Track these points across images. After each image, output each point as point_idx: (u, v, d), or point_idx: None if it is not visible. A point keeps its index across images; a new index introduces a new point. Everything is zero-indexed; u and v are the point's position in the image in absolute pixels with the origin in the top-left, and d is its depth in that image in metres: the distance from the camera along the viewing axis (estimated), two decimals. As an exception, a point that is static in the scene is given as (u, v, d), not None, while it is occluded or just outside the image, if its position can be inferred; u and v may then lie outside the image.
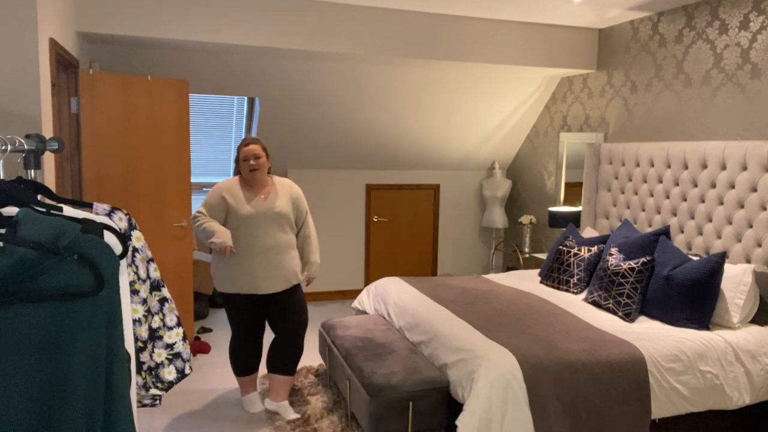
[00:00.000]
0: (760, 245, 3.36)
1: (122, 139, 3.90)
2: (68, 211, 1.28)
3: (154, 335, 1.65)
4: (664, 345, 2.83)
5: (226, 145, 5.96)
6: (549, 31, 4.77)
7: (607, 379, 2.63)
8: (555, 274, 3.92)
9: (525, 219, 5.63)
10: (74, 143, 3.67)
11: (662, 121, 4.27)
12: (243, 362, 3.36)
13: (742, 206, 3.48)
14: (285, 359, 3.32)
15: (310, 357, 4.19)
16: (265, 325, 3.39)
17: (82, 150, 3.72)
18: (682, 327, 3.07)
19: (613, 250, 3.59)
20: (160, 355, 1.65)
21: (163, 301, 1.68)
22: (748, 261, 3.41)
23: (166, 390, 1.66)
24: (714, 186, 3.65)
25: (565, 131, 5.38)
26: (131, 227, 1.59)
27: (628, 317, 3.24)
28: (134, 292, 1.58)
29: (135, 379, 1.46)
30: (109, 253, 1.16)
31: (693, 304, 3.08)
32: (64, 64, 3.35)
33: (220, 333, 4.78)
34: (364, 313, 3.97)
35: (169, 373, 1.65)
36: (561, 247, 4.00)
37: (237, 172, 3.28)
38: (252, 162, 3.14)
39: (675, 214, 3.94)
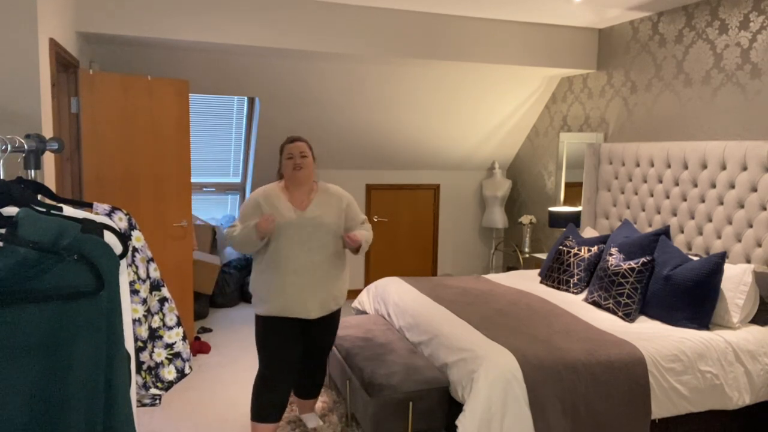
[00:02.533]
0: (760, 245, 3.36)
1: (122, 139, 3.90)
2: (68, 211, 1.28)
3: (154, 335, 1.65)
4: (664, 345, 2.83)
5: (226, 145, 5.96)
6: (549, 31, 4.77)
7: (607, 379, 2.63)
8: (555, 274, 3.92)
9: (525, 219, 5.62)
10: (74, 143, 3.67)
11: (662, 121, 4.27)
12: (267, 407, 2.76)
13: (742, 206, 3.48)
14: (314, 387, 3.10)
15: (310, 357, 4.19)
16: (298, 365, 2.86)
17: (82, 150, 3.72)
18: (682, 327, 3.07)
19: (613, 250, 3.59)
20: (160, 354, 1.65)
21: (163, 300, 1.68)
22: (748, 261, 3.41)
23: (166, 390, 1.66)
24: (714, 186, 3.65)
25: (565, 131, 5.38)
26: (131, 227, 1.59)
27: (628, 317, 3.24)
28: (134, 291, 1.58)
29: (135, 379, 1.46)
30: (109, 253, 1.16)
31: (693, 304, 3.08)
32: (64, 64, 3.35)
33: (220, 333, 4.78)
34: (364, 313, 3.97)
35: (169, 373, 1.65)
36: (561, 247, 4.00)
37: (279, 175, 2.90)
38: (297, 161, 2.77)
39: (675, 214, 3.94)
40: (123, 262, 1.29)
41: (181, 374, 1.67)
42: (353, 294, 5.91)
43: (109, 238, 1.23)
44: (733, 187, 3.53)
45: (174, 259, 4.15)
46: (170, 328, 1.68)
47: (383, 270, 6.16)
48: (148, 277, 1.64)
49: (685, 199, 3.85)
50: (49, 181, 2.83)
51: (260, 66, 4.63)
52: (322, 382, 3.10)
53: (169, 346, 1.66)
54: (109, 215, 1.54)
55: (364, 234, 2.86)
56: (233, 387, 3.73)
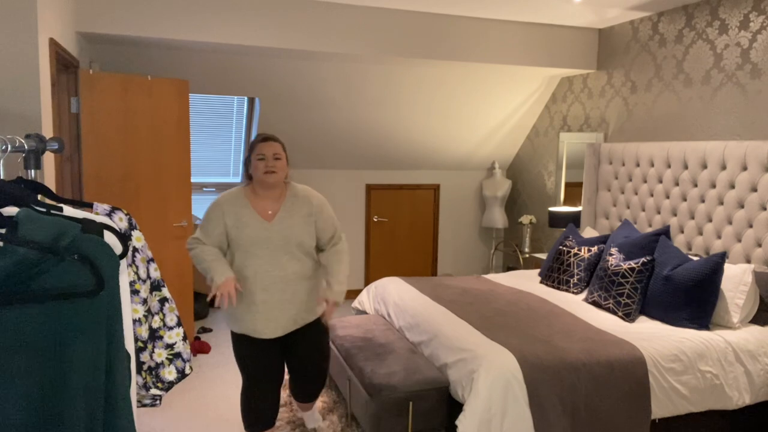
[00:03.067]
0: (760, 245, 3.36)
1: (122, 139, 3.90)
2: (68, 211, 1.28)
3: (154, 335, 1.65)
4: (664, 345, 2.83)
5: (226, 145, 5.96)
6: (549, 31, 4.77)
7: (607, 379, 2.63)
8: (555, 274, 3.92)
9: (525, 219, 5.62)
10: (74, 143, 3.67)
11: (662, 121, 4.27)
12: (255, 416, 2.70)
13: (742, 206, 3.48)
14: (310, 394, 2.90)
15: (310, 357, 4.19)
16: (282, 371, 2.74)
17: (82, 150, 3.72)
18: (682, 327, 3.07)
19: (613, 250, 3.59)
20: (161, 355, 1.65)
21: (163, 301, 1.68)
22: (748, 261, 3.41)
23: (166, 390, 1.66)
24: (714, 186, 3.65)
25: (565, 131, 5.38)
26: (131, 227, 1.59)
27: (628, 317, 3.24)
28: (134, 292, 1.58)
29: (135, 379, 1.46)
30: (109, 253, 1.16)
31: (693, 304, 3.08)
32: (64, 64, 3.35)
33: (220, 333, 4.78)
34: (364, 313, 3.97)
35: (169, 373, 1.65)
36: (561, 247, 4.00)
37: (246, 175, 2.63)
38: (270, 163, 2.51)
39: (675, 214, 3.94)
40: (123, 263, 1.29)
41: (182, 374, 1.67)
42: (353, 294, 5.91)
43: (110, 238, 1.23)
44: (733, 187, 3.53)
45: (174, 259, 4.15)
46: (170, 328, 1.68)
47: (383, 270, 6.16)
48: (149, 277, 1.64)
49: (685, 199, 3.85)
50: (49, 181, 2.83)
51: (260, 66, 4.63)
52: (319, 390, 2.89)
53: (170, 346, 1.66)
54: (109, 215, 1.54)
55: (336, 291, 2.57)
56: (233, 387, 3.73)
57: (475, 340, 2.78)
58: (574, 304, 3.51)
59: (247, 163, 2.60)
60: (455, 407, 2.67)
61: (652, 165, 4.09)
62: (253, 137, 5.69)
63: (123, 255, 1.26)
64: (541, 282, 4.04)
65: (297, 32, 4.14)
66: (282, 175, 2.56)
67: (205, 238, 2.54)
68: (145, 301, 1.61)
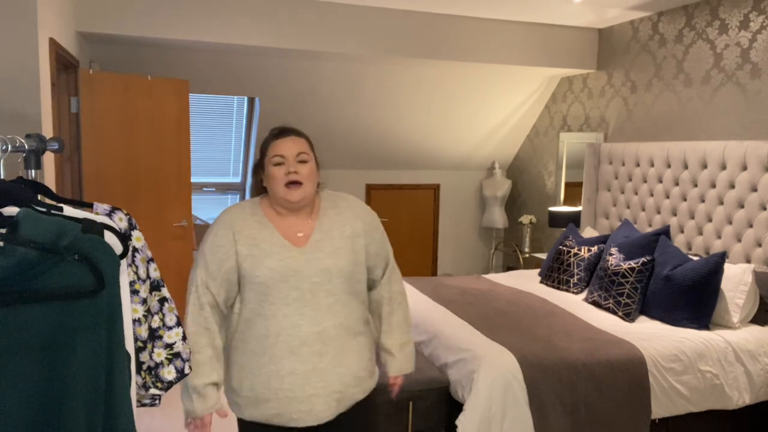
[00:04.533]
0: (760, 245, 3.36)
1: (122, 139, 3.90)
2: (68, 211, 1.28)
3: (153, 335, 1.65)
4: (664, 345, 2.83)
5: (226, 145, 5.97)
6: (549, 31, 4.77)
7: (607, 379, 2.63)
8: (555, 274, 3.92)
9: (525, 219, 5.62)
10: (74, 143, 3.67)
11: (662, 121, 4.27)
12: None
13: (742, 206, 3.48)
14: None
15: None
16: None
17: (82, 150, 3.72)
18: (682, 327, 3.07)
19: (613, 250, 3.58)
20: (160, 354, 1.65)
21: (162, 301, 1.68)
22: (748, 261, 3.41)
23: (166, 390, 1.66)
24: (714, 186, 3.65)
25: (565, 131, 5.38)
26: (131, 227, 1.59)
27: (628, 317, 3.24)
28: (134, 292, 1.58)
29: (135, 379, 1.46)
30: (109, 253, 1.16)
31: (693, 304, 3.08)
32: (64, 64, 3.35)
33: (220, 333, 4.78)
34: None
35: (168, 373, 1.64)
36: (561, 247, 4.00)
37: (258, 188, 1.83)
38: (292, 169, 1.69)
39: (675, 214, 3.94)
40: (123, 262, 1.29)
41: (181, 374, 1.67)
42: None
43: (110, 238, 1.23)
44: (733, 186, 3.53)
45: (174, 259, 4.15)
46: (170, 328, 1.68)
47: (383, 270, 6.16)
48: (148, 277, 1.64)
49: (685, 199, 3.85)
50: (49, 181, 2.83)
51: (260, 66, 4.63)
52: None
53: (169, 346, 1.66)
54: (109, 215, 1.54)
55: (406, 354, 1.92)
56: (233, 387, 3.73)
57: (475, 340, 2.78)
58: (574, 303, 3.51)
59: (257, 169, 1.79)
60: (455, 407, 2.67)
61: (652, 165, 4.09)
62: (253, 137, 5.68)
63: (123, 255, 1.26)
64: (541, 282, 4.04)
65: (297, 32, 4.14)
66: (312, 185, 1.74)
67: (213, 286, 1.70)
68: (144, 301, 1.61)
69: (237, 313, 1.73)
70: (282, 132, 1.76)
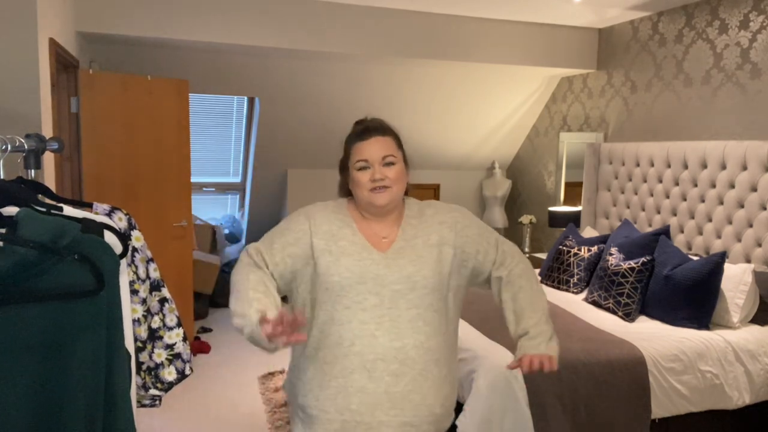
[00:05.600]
0: (760, 245, 3.36)
1: (122, 139, 3.90)
2: (68, 210, 1.28)
3: (153, 335, 1.65)
4: (664, 345, 2.83)
5: (226, 145, 5.97)
6: (549, 31, 4.77)
7: (607, 379, 2.63)
8: (555, 274, 3.92)
9: (525, 219, 5.62)
10: (74, 143, 3.67)
11: (662, 121, 4.27)
12: None
13: (742, 206, 3.48)
14: None
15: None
16: None
17: (82, 150, 3.72)
18: (682, 327, 3.07)
19: (613, 250, 3.58)
20: (160, 355, 1.65)
21: (163, 301, 1.68)
22: (748, 261, 3.41)
23: (166, 391, 1.66)
24: (714, 186, 3.65)
25: (565, 131, 5.38)
26: (131, 227, 1.59)
27: (628, 317, 3.24)
28: (134, 292, 1.58)
29: (135, 380, 1.45)
30: (109, 252, 1.16)
31: (693, 304, 3.08)
32: (64, 64, 3.35)
33: (220, 333, 4.78)
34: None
35: (169, 374, 1.64)
36: (561, 246, 4.00)
37: (345, 189, 1.67)
38: (379, 175, 1.55)
39: (675, 214, 3.94)
40: (123, 262, 1.29)
41: (182, 375, 1.67)
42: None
43: (109, 237, 1.23)
44: (733, 186, 3.53)
45: (174, 259, 4.15)
46: (170, 328, 1.67)
47: (383, 270, 6.15)
48: (148, 277, 1.64)
49: (685, 199, 3.85)
50: (49, 181, 2.83)
51: (260, 66, 4.63)
52: None
53: (170, 346, 1.66)
54: (109, 215, 1.54)
55: (544, 337, 1.64)
56: (233, 387, 3.73)
57: (475, 340, 2.78)
58: (574, 303, 3.50)
59: (343, 170, 1.65)
60: (455, 407, 2.67)
61: (652, 165, 4.09)
62: (253, 137, 5.67)
63: (123, 255, 1.26)
64: (540, 282, 4.04)
65: (297, 32, 4.14)
66: (400, 188, 1.60)
67: (268, 255, 1.55)
68: (144, 301, 1.61)
69: (311, 316, 1.56)
70: (365, 131, 1.61)
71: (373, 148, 1.57)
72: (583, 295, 3.70)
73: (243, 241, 6.26)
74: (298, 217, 1.61)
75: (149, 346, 1.62)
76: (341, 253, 1.54)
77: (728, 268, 3.18)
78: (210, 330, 4.83)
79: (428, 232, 1.62)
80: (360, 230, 1.60)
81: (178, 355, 1.67)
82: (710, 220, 3.68)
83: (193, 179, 5.64)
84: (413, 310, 1.52)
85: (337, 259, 1.53)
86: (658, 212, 4.06)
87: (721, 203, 3.60)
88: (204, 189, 6.10)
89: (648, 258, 3.32)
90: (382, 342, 1.50)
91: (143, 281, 1.61)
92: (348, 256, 1.53)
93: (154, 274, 1.66)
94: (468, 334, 2.88)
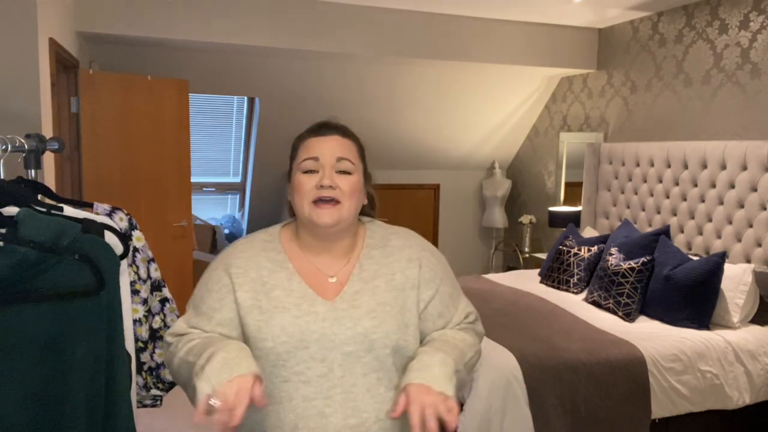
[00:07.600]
0: (760, 245, 3.36)
1: (122, 139, 3.89)
2: (68, 211, 1.28)
3: (155, 335, 1.65)
4: (664, 345, 2.83)
5: (226, 145, 5.97)
6: (549, 31, 4.77)
7: (607, 379, 2.63)
8: (555, 274, 3.92)
9: (525, 219, 5.62)
10: (74, 143, 3.67)
11: (662, 121, 4.27)
12: None
13: (742, 206, 3.48)
14: None
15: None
16: None
17: (82, 150, 3.72)
18: (682, 327, 3.07)
19: (613, 250, 3.58)
20: (161, 355, 1.65)
21: (164, 301, 1.68)
22: (748, 261, 3.41)
23: (167, 390, 1.66)
24: (714, 186, 3.65)
25: (565, 131, 5.38)
26: (132, 227, 1.59)
27: (628, 317, 3.24)
28: (135, 292, 1.58)
29: (135, 380, 1.46)
30: (109, 253, 1.16)
31: (693, 304, 3.08)
32: (64, 64, 3.35)
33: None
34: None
35: (169, 374, 1.64)
36: (561, 246, 4.00)
37: (290, 209, 1.29)
38: (326, 183, 1.19)
39: (675, 214, 3.94)
40: (123, 263, 1.29)
41: (182, 374, 1.67)
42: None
43: (110, 238, 1.23)
44: (733, 186, 3.53)
45: (174, 259, 4.15)
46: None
47: (383, 270, 6.15)
48: (149, 277, 1.64)
49: (685, 199, 3.85)
50: (49, 181, 2.83)
51: (260, 66, 4.63)
52: None
53: (170, 346, 1.66)
54: (109, 215, 1.54)
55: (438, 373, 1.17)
56: (233, 387, 3.73)
57: (475, 340, 2.78)
58: (574, 303, 3.50)
59: (289, 179, 1.30)
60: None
61: (652, 165, 4.09)
62: (253, 137, 5.68)
63: (124, 255, 1.26)
64: (541, 282, 4.04)
65: (297, 32, 4.13)
66: (353, 206, 1.23)
67: (202, 322, 1.21)
68: (145, 301, 1.61)
69: None
70: (323, 127, 1.27)
71: (328, 146, 1.22)
72: (583, 295, 3.70)
73: (243, 241, 6.24)
74: (216, 269, 1.23)
75: (150, 346, 1.62)
76: (274, 309, 1.17)
77: (728, 268, 3.18)
78: (210, 330, 4.82)
79: (393, 270, 1.25)
80: (298, 271, 1.22)
81: (178, 355, 1.68)
82: (710, 220, 3.68)
83: (193, 179, 5.63)
84: (372, 375, 1.17)
85: (270, 317, 1.16)
86: (658, 212, 4.06)
87: (721, 203, 3.60)
88: (204, 189, 6.10)
89: (648, 258, 3.32)
90: (335, 421, 1.14)
91: (144, 281, 1.61)
92: (283, 312, 1.16)
93: (155, 274, 1.66)
94: (468, 334, 2.87)
